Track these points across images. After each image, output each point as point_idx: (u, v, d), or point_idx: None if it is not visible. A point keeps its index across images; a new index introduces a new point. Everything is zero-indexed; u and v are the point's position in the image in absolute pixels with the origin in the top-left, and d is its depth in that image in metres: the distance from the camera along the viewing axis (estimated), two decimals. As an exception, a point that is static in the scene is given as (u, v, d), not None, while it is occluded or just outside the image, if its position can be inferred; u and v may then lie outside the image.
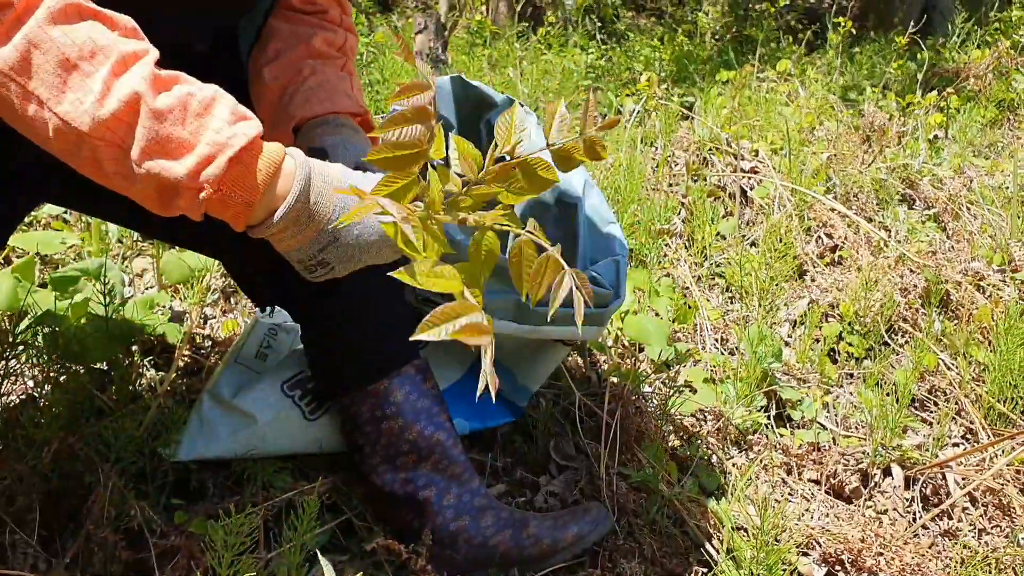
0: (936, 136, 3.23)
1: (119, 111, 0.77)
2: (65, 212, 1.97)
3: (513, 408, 1.50)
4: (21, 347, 1.34)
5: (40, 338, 1.37)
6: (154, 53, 0.82)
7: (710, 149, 2.79)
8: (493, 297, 1.32)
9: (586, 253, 1.47)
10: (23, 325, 1.37)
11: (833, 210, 2.50)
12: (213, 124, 0.81)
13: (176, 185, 0.80)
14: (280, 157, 0.86)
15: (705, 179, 2.67)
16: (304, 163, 0.87)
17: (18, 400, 1.36)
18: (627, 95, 3.22)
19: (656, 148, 2.86)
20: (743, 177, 2.65)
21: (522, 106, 1.62)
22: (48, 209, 1.96)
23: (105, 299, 1.43)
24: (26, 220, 1.66)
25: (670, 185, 2.64)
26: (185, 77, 0.83)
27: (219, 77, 0.94)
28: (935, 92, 3.39)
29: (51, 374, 1.35)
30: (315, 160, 0.90)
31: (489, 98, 1.59)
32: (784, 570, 1.26)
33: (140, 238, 1.99)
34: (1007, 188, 2.81)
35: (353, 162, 1.05)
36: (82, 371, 1.39)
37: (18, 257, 1.76)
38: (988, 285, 2.26)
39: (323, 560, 0.99)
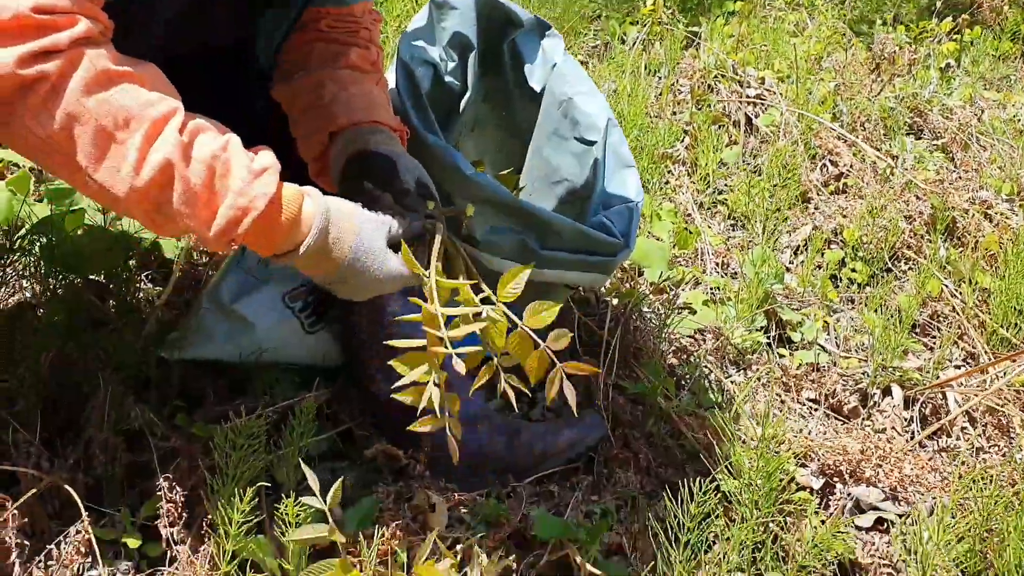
0: (948, 65, 3.16)
1: (154, 178, 0.83)
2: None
3: None
4: (18, 254, 1.33)
5: (37, 248, 1.35)
6: (180, 110, 0.86)
7: (715, 76, 2.73)
8: (498, 236, 1.30)
9: (599, 197, 1.44)
10: (20, 234, 1.36)
11: (839, 137, 2.46)
12: (235, 185, 0.87)
13: (206, 240, 0.90)
14: (298, 206, 0.93)
15: (710, 106, 2.62)
16: (323, 205, 0.95)
17: (15, 307, 1.36)
18: (631, 23, 3.14)
19: (659, 77, 2.80)
20: (748, 104, 2.60)
21: (549, 28, 1.57)
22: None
23: (102, 209, 1.41)
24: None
25: (673, 113, 2.59)
26: (204, 125, 0.88)
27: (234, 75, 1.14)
28: (950, 19, 3.30)
29: (49, 283, 1.34)
30: (331, 199, 0.97)
31: (516, 17, 1.54)
32: (782, 480, 1.27)
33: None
34: (1019, 120, 2.76)
35: (413, 177, 1.10)
36: (79, 282, 1.38)
37: (11, 172, 1.74)
38: (996, 213, 2.24)
39: (307, 470, 0.99)
